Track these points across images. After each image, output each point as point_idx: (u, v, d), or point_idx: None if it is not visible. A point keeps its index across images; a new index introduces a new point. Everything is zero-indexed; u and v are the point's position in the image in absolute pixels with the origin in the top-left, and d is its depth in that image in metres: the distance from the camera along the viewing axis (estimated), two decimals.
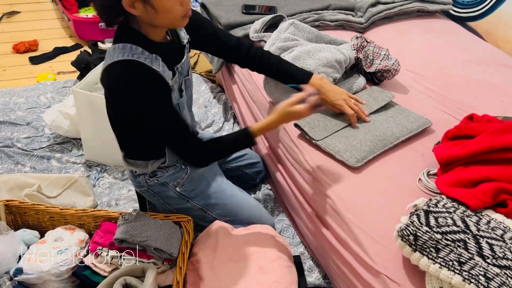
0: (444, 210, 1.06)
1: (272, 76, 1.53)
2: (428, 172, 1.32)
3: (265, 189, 1.82)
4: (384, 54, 1.65)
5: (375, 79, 1.69)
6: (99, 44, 2.81)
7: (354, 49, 1.67)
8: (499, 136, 1.17)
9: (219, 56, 1.55)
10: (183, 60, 1.28)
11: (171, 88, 1.22)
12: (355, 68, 1.72)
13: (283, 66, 1.48)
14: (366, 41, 1.72)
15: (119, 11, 1.10)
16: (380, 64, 1.63)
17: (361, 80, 1.66)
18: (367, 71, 1.66)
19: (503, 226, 1.02)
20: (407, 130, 1.45)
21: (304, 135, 1.45)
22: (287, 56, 1.57)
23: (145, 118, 1.20)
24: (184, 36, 1.32)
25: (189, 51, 1.36)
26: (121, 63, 1.11)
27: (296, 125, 1.46)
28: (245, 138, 1.34)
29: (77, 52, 2.79)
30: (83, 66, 2.40)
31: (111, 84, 1.17)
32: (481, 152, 1.17)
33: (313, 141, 1.41)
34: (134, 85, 1.12)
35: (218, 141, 1.36)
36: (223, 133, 2.12)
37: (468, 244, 0.96)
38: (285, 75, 1.47)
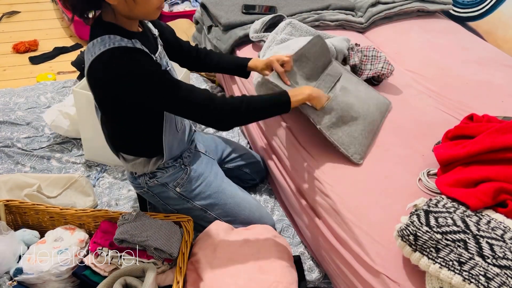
0: (444, 210, 1.06)
1: (217, 71, 1.57)
2: (428, 172, 1.32)
3: (265, 189, 1.82)
4: (372, 56, 1.65)
5: (373, 81, 1.69)
6: None
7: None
8: (499, 136, 1.17)
9: (174, 60, 1.52)
10: (159, 50, 1.28)
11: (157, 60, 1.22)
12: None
13: (224, 60, 1.53)
14: (356, 44, 1.73)
15: (95, 3, 1.11)
16: (370, 70, 1.64)
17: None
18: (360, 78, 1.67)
19: (503, 226, 1.02)
20: (382, 113, 1.47)
21: (309, 116, 1.37)
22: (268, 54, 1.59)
23: (150, 93, 1.14)
24: (154, 29, 1.33)
25: (162, 44, 1.35)
26: (105, 52, 1.10)
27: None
28: (284, 100, 1.27)
29: (77, 52, 2.79)
30: (83, 66, 2.39)
31: (101, 77, 1.13)
32: (481, 152, 1.17)
33: (317, 127, 1.36)
34: (125, 66, 1.10)
35: (251, 97, 1.25)
36: (223, 134, 2.12)
37: (468, 244, 0.96)
38: (227, 66, 1.53)
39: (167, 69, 1.30)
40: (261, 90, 1.57)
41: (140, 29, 1.26)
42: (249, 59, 1.50)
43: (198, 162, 1.50)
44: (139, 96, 1.14)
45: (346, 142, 1.36)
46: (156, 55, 1.24)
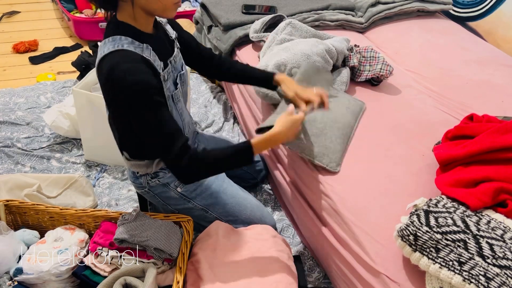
0: (444, 210, 1.06)
1: (239, 82, 1.55)
2: None
3: (265, 189, 1.82)
4: (370, 57, 1.65)
5: (373, 81, 1.69)
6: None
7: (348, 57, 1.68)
8: (499, 136, 1.17)
9: (192, 66, 1.51)
10: (174, 54, 1.28)
11: (163, 78, 1.21)
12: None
13: (247, 72, 1.48)
14: (355, 45, 1.73)
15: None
16: (369, 72, 1.64)
17: (344, 73, 1.65)
18: (357, 80, 1.67)
19: (503, 226, 1.02)
20: (355, 115, 1.48)
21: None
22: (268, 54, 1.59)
23: (137, 109, 1.12)
24: (171, 32, 1.33)
25: (179, 47, 1.36)
26: (112, 54, 1.11)
27: (259, 130, 1.31)
28: (245, 152, 1.20)
29: (77, 52, 2.79)
30: (83, 67, 2.40)
31: (105, 76, 1.13)
32: (481, 152, 1.17)
33: (286, 146, 1.40)
34: (126, 72, 1.09)
35: (212, 153, 1.20)
36: (223, 133, 2.12)
37: (468, 244, 0.96)
38: (250, 79, 1.49)
39: (181, 73, 1.31)
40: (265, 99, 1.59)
41: (157, 31, 1.26)
42: (272, 74, 1.43)
43: None
44: (121, 107, 1.15)
45: (319, 154, 1.36)
46: (171, 58, 1.25)
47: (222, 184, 1.50)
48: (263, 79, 1.45)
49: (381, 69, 1.61)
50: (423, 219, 1.02)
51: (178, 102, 1.30)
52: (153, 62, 1.16)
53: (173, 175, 1.39)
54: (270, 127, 1.24)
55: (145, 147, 1.22)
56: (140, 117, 1.13)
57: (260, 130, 1.29)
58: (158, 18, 1.29)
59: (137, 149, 1.35)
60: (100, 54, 1.14)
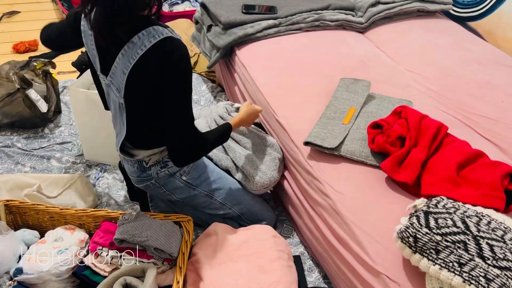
0: (444, 210, 1.06)
1: None
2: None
3: None
4: None
5: None
6: None
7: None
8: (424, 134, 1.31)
9: None
10: None
11: None
12: None
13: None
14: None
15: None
16: None
17: None
18: None
19: (504, 226, 1.02)
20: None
21: (320, 150, 1.40)
22: None
23: (185, 90, 1.24)
24: None
25: None
26: (168, 39, 1.17)
27: (307, 143, 1.41)
28: (228, 132, 1.42)
29: (77, 52, 2.78)
30: (83, 67, 2.39)
31: (167, 55, 1.17)
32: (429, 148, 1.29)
33: (336, 153, 1.38)
34: (187, 55, 1.20)
35: (208, 135, 1.36)
36: None
37: (468, 245, 0.96)
38: None
39: None
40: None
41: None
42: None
43: None
44: (172, 89, 1.22)
45: (368, 154, 1.39)
46: None
47: (221, 171, 1.56)
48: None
49: None
50: (422, 221, 1.01)
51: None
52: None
53: None
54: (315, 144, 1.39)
55: (166, 131, 1.28)
56: (185, 99, 1.25)
57: (307, 143, 1.42)
58: None
59: (153, 135, 1.36)
60: (140, 49, 1.16)
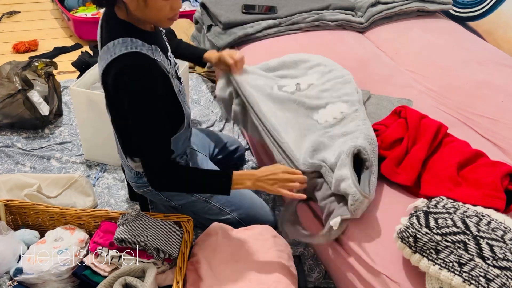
0: (444, 211, 1.06)
1: (181, 59, 1.57)
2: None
3: None
4: None
5: None
6: None
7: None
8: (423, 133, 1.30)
9: None
10: (169, 47, 1.29)
11: (171, 75, 1.23)
12: None
13: (181, 47, 1.55)
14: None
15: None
16: None
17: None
18: None
19: (504, 226, 1.02)
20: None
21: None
22: None
23: (141, 114, 1.16)
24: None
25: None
26: (127, 55, 1.11)
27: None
28: (225, 181, 1.24)
29: (77, 52, 2.78)
30: (84, 67, 2.39)
31: (118, 75, 1.13)
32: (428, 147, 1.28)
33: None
34: (141, 74, 1.12)
35: (195, 172, 1.29)
36: (224, 132, 2.12)
37: (468, 245, 0.96)
38: (185, 54, 1.56)
39: (176, 66, 1.32)
40: (222, 93, 1.56)
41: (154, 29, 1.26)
42: (205, 50, 1.55)
43: (195, 157, 1.53)
44: (127, 110, 1.16)
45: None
46: (169, 53, 1.27)
47: None
48: (193, 55, 1.56)
49: None
50: (422, 221, 1.02)
51: (184, 95, 1.33)
52: (163, 63, 1.17)
53: None
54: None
55: (139, 143, 1.23)
56: (140, 123, 1.17)
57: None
58: None
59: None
60: (110, 55, 1.12)
